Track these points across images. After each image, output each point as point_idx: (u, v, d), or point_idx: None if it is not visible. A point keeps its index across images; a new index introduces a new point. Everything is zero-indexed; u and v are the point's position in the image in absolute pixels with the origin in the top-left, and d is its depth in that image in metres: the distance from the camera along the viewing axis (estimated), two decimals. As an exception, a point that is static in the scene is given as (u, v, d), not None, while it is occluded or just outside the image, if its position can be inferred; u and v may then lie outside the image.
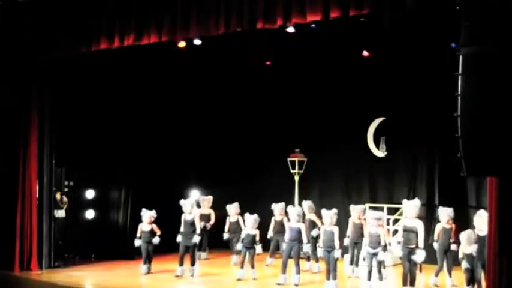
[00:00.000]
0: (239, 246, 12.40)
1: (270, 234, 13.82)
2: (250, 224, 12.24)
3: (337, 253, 11.15)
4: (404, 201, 11.86)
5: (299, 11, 10.31)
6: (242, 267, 12.28)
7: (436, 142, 14.20)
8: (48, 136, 13.68)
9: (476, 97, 7.90)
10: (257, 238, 12.28)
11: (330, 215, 11.38)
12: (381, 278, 11.37)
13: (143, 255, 13.00)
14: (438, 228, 11.82)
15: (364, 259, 11.76)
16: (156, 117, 16.02)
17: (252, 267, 12.26)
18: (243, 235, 12.35)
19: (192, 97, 16.73)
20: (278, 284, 11.79)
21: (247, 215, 12.51)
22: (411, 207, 11.03)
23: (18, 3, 13.14)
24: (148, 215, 13.01)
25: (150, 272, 13.01)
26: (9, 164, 13.44)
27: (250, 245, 12.20)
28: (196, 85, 16.56)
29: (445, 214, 11.79)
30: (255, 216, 12.40)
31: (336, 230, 11.30)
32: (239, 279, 12.14)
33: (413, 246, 10.68)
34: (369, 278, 11.41)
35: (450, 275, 11.71)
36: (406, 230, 10.80)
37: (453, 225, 11.78)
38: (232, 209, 14.11)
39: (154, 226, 13.03)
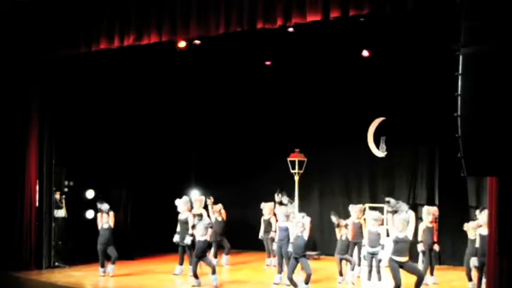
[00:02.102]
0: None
1: (260, 234, 13.88)
2: (200, 231, 11.57)
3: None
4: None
5: (299, 11, 10.30)
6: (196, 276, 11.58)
7: (436, 142, 14.22)
8: (48, 136, 13.69)
9: (476, 97, 7.90)
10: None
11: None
12: (379, 278, 11.36)
13: (101, 256, 12.75)
14: (422, 227, 11.80)
15: (364, 258, 11.72)
16: (156, 117, 16.03)
17: (213, 272, 11.49)
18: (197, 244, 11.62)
19: (192, 97, 16.73)
20: (275, 283, 11.79)
21: (199, 223, 11.99)
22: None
23: (18, 3, 13.14)
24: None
25: (106, 274, 12.71)
26: (9, 164, 13.44)
27: (203, 253, 11.54)
28: (196, 85, 16.55)
29: (430, 213, 11.80)
30: (206, 222, 11.90)
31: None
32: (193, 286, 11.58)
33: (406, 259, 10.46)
34: (369, 278, 11.40)
35: (432, 273, 11.82)
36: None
37: (435, 225, 11.83)
38: (267, 208, 13.90)
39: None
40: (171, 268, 13.19)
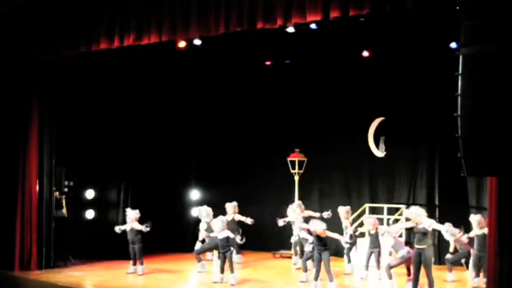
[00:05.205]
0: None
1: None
2: (217, 227, 11.72)
3: None
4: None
5: (299, 11, 10.30)
6: (206, 270, 11.92)
7: (436, 142, 14.22)
8: (48, 136, 13.68)
9: (476, 97, 7.90)
10: (231, 237, 11.81)
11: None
12: (390, 276, 11.50)
13: (131, 255, 12.92)
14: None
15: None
16: (156, 117, 16.03)
17: (232, 271, 11.69)
18: (209, 241, 11.87)
19: (191, 97, 16.71)
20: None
21: (213, 220, 12.03)
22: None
23: (18, 3, 13.14)
24: (132, 215, 12.89)
25: (135, 272, 12.83)
26: (9, 164, 13.44)
27: (225, 249, 11.68)
28: (196, 85, 16.55)
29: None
30: (221, 218, 12.01)
31: None
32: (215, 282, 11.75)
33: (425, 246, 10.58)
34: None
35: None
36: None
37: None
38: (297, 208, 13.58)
39: (135, 224, 12.82)
40: (171, 268, 13.19)
